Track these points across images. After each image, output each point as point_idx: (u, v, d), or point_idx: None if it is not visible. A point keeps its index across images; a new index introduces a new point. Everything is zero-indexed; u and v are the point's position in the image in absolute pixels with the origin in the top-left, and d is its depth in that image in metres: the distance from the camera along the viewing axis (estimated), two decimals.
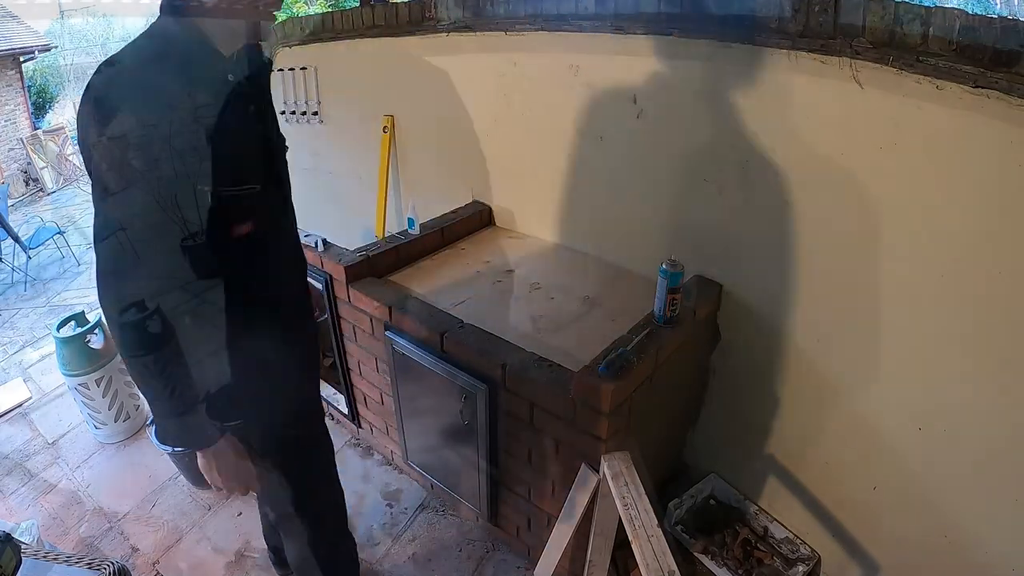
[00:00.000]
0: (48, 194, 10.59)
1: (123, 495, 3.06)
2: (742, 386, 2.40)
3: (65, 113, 13.97)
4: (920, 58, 1.53)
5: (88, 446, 3.43)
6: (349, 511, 2.50)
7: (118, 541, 2.80)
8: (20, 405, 3.88)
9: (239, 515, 2.86)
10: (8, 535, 1.63)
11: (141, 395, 1.57)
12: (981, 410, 1.74)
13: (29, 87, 12.07)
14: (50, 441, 3.52)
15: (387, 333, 2.39)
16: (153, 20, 1.31)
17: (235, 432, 1.59)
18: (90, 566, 1.98)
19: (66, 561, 1.99)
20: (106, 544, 2.78)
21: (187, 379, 1.40)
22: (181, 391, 1.39)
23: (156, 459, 3.18)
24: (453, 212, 3.01)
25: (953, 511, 1.89)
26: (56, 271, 6.75)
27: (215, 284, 1.42)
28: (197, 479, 3.01)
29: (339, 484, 2.10)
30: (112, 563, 1.97)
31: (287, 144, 1.64)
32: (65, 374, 3.24)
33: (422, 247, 2.79)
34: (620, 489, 1.75)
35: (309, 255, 2.44)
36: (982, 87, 1.46)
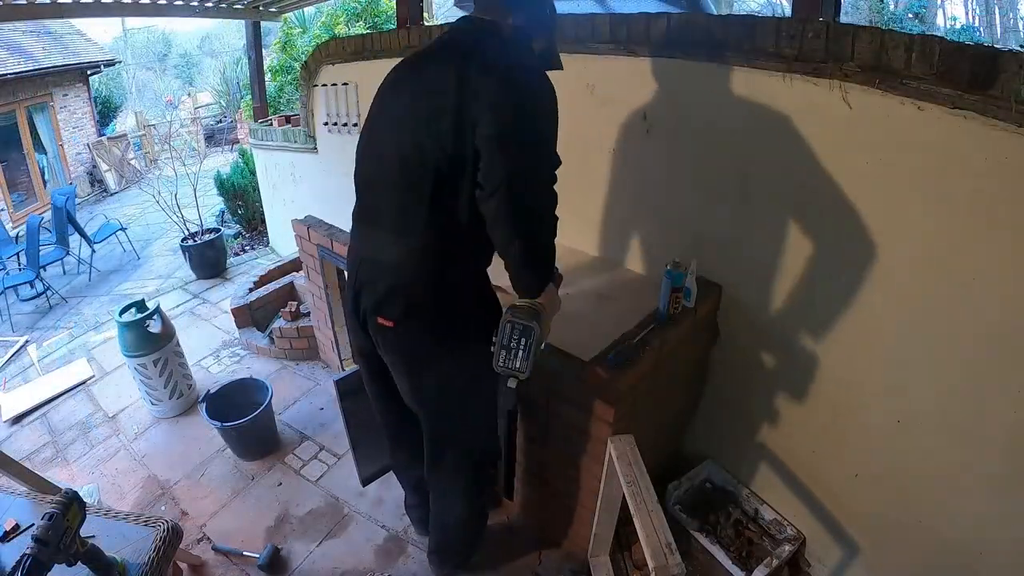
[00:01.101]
0: (111, 194, 10.73)
1: (175, 465, 3.13)
2: (738, 380, 2.42)
3: (127, 121, 14.14)
4: (903, 81, 1.55)
5: (144, 420, 3.51)
6: None
7: (169, 505, 2.86)
8: (84, 383, 3.98)
9: (279, 485, 2.92)
10: (75, 494, 1.68)
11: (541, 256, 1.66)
12: (954, 405, 1.75)
13: (95, 98, 12.25)
14: (110, 415, 3.60)
15: None
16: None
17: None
18: (146, 524, 2.04)
19: (124, 519, 2.06)
20: (158, 508, 2.85)
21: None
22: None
23: (206, 433, 3.25)
24: None
25: (927, 497, 1.89)
26: (117, 263, 6.83)
27: None
28: (242, 451, 3.08)
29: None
30: (166, 522, 2.03)
31: None
32: (126, 355, 3.32)
33: None
34: (624, 469, 1.78)
35: None
36: (960, 108, 1.48)
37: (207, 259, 5.73)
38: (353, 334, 1.93)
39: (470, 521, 2.22)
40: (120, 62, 14.20)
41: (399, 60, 1.67)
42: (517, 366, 1.56)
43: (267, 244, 6.53)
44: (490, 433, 1.99)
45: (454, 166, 1.45)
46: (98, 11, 4.95)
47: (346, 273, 1.88)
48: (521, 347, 1.55)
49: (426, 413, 1.90)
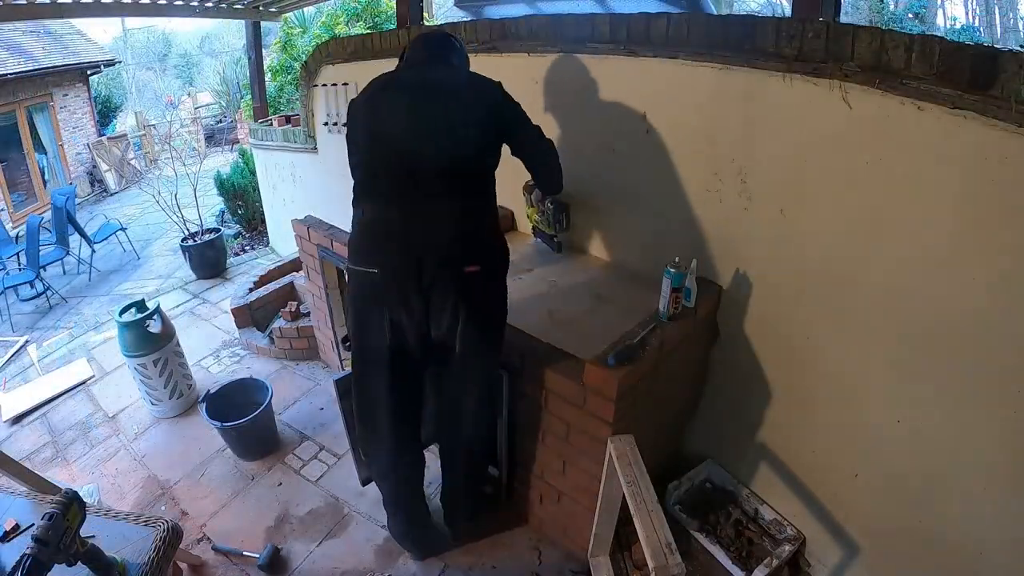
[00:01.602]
0: (111, 194, 10.73)
1: (175, 465, 3.13)
2: (738, 380, 2.42)
3: (128, 121, 14.14)
4: (903, 81, 1.55)
5: (144, 420, 3.51)
6: None
7: (169, 505, 2.86)
8: (84, 383, 3.98)
9: (279, 485, 2.92)
10: (75, 494, 1.68)
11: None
12: (954, 406, 1.75)
13: (95, 97, 12.24)
14: (110, 415, 3.60)
15: None
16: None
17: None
18: (146, 524, 2.04)
19: (124, 519, 2.06)
20: (158, 508, 2.85)
21: None
22: None
23: (206, 433, 3.24)
24: None
25: (927, 497, 1.89)
26: (117, 264, 6.83)
27: None
28: (242, 451, 3.08)
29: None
30: (166, 522, 2.03)
31: None
32: (126, 355, 3.32)
33: None
34: (624, 469, 1.78)
35: None
36: (960, 108, 1.48)
37: (207, 259, 5.73)
38: (400, 314, 1.97)
39: (483, 471, 2.55)
40: (120, 62, 14.19)
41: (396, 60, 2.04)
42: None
43: (267, 244, 6.54)
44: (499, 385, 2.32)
45: (491, 144, 1.98)
46: (98, 11, 4.96)
47: (369, 262, 1.96)
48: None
49: (491, 357, 2.12)
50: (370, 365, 2.10)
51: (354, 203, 2.02)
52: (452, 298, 1.91)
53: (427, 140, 1.88)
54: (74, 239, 6.71)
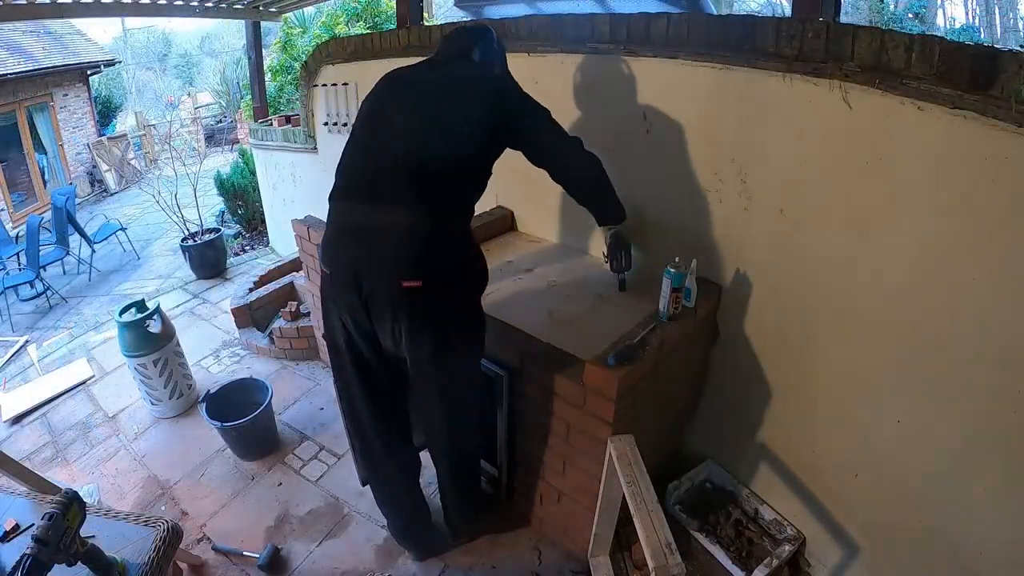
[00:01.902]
0: (111, 194, 10.73)
1: (175, 465, 3.13)
2: (738, 380, 2.42)
3: (128, 121, 14.14)
4: (903, 81, 1.55)
5: (144, 420, 3.50)
6: None
7: (169, 505, 2.86)
8: (84, 383, 3.97)
9: (279, 485, 2.92)
10: (75, 494, 1.68)
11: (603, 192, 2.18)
12: (953, 406, 1.75)
13: (95, 97, 12.24)
14: (110, 415, 3.60)
15: None
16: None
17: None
18: (146, 524, 2.04)
19: (124, 519, 2.06)
20: (158, 508, 2.85)
21: None
22: None
23: (206, 433, 3.24)
24: (479, 216, 3.04)
25: (927, 497, 1.89)
26: (117, 264, 6.83)
27: None
28: (242, 452, 3.08)
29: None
30: (166, 522, 2.03)
31: None
32: (126, 355, 3.32)
33: None
34: (624, 469, 1.78)
35: None
36: (960, 108, 1.48)
37: (207, 259, 5.72)
38: (348, 319, 1.94)
39: (476, 472, 2.43)
40: (120, 62, 14.19)
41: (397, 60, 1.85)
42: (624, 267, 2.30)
43: (267, 244, 6.53)
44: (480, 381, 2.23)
45: (474, 145, 1.84)
46: (98, 11, 4.96)
47: (325, 260, 1.95)
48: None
49: (446, 374, 1.98)
50: (339, 363, 2.08)
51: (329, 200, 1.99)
52: (389, 312, 1.83)
53: (392, 139, 1.81)
54: (74, 239, 6.70)
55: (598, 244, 2.72)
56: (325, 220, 1.94)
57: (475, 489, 2.47)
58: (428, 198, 1.77)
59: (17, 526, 1.97)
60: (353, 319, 1.90)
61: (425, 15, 5.58)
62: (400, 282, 1.76)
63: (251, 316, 4.33)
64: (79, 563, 1.64)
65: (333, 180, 1.91)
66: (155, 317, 3.30)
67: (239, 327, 4.31)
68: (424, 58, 2.05)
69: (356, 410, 2.14)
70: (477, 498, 2.50)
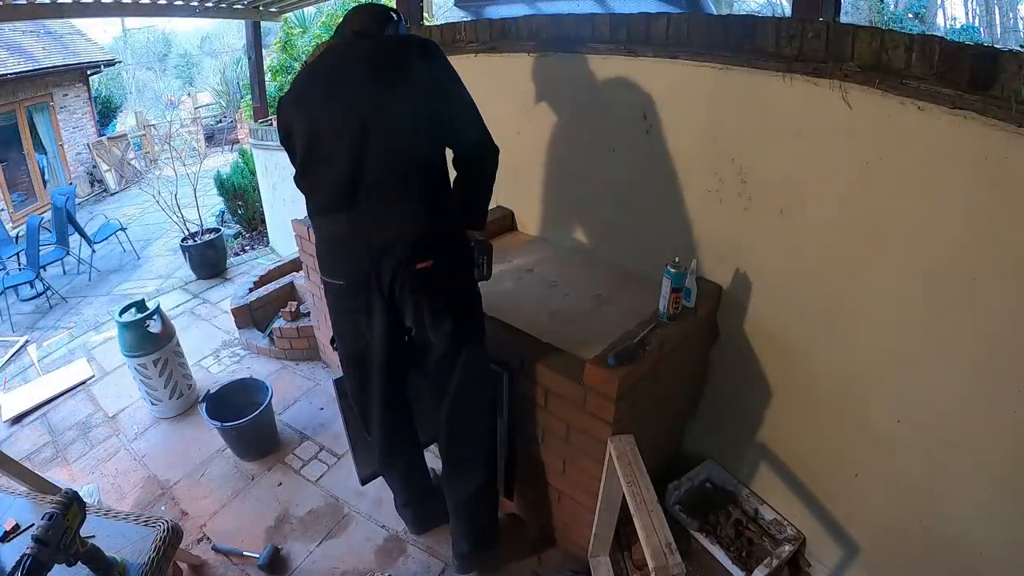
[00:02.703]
0: (111, 194, 10.73)
1: (175, 465, 3.13)
2: (738, 379, 2.41)
3: (127, 121, 14.14)
4: (903, 81, 1.55)
5: (144, 420, 3.50)
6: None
7: (169, 505, 2.86)
8: (84, 383, 3.97)
9: (279, 485, 2.92)
10: (75, 494, 1.68)
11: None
12: (953, 405, 1.75)
13: (95, 97, 12.23)
14: (110, 415, 3.60)
15: None
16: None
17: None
18: (146, 524, 2.04)
19: (124, 519, 2.06)
20: (158, 508, 2.85)
21: None
22: None
23: (206, 433, 3.24)
24: None
25: (927, 497, 1.89)
26: (117, 264, 6.82)
27: None
28: (242, 451, 3.08)
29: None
30: (166, 522, 2.03)
31: None
32: (126, 355, 3.32)
33: None
34: (624, 469, 1.78)
35: None
36: (960, 108, 1.48)
37: (207, 259, 5.72)
38: (367, 319, 1.96)
39: (494, 487, 2.35)
40: (120, 62, 14.20)
41: (311, 73, 1.99)
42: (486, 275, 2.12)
43: (267, 244, 6.53)
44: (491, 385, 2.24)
45: (427, 119, 1.79)
46: (98, 11, 4.95)
47: (329, 272, 2.01)
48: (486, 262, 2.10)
49: (465, 341, 2.00)
50: (353, 368, 2.14)
51: (308, 216, 2.01)
52: (411, 296, 1.87)
53: (355, 133, 1.74)
54: (74, 239, 6.71)
55: (599, 242, 2.72)
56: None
57: (489, 507, 2.36)
58: (413, 185, 1.79)
59: (17, 526, 1.98)
60: (379, 315, 1.92)
61: (425, 15, 5.58)
62: (414, 265, 1.80)
63: (251, 316, 4.32)
64: (79, 563, 1.65)
65: (305, 200, 1.95)
66: (155, 317, 3.30)
67: (239, 327, 4.31)
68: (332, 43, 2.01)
69: (366, 409, 2.21)
70: (492, 521, 2.38)
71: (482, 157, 1.96)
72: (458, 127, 1.86)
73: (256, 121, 6.08)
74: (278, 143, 2.00)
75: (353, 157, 1.74)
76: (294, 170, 1.93)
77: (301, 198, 1.95)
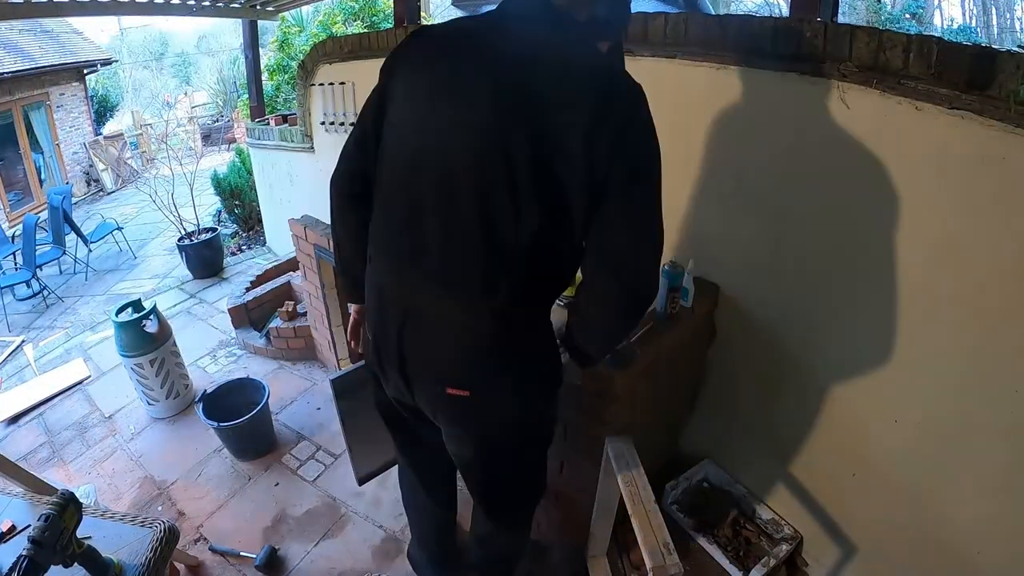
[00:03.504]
0: (108, 194, 10.71)
1: (171, 465, 3.13)
2: (736, 379, 2.41)
3: (124, 120, 14.11)
4: (901, 81, 1.55)
5: (141, 420, 3.50)
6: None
7: (166, 506, 2.86)
8: (80, 383, 3.97)
9: (276, 485, 2.92)
10: (72, 494, 1.68)
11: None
12: (952, 405, 1.75)
13: (92, 97, 12.21)
14: (106, 415, 3.60)
15: None
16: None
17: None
18: (143, 524, 2.03)
19: (121, 520, 2.05)
20: (155, 508, 2.84)
21: None
22: None
23: (203, 433, 3.24)
24: None
25: (924, 497, 1.89)
26: (114, 263, 6.81)
27: None
28: (239, 452, 3.07)
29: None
30: (163, 522, 2.03)
31: None
32: (122, 355, 3.31)
33: None
34: (622, 469, 1.78)
35: None
36: (957, 108, 1.48)
37: (204, 259, 5.72)
38: (386, 384, 1.58)
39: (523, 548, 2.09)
40: (117, 61, 14.16)
41: (439, 31, 1.33)
42: None
43: (264, 244, 6.53)
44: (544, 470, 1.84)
45: (575, 200, 1.18)
46: (95, 10, 4.94)
47: (369, 310, 1.53)
48: None
49: (495, 480, 1.69)
50: (381, 414, 1.83)
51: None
52: (455, 426, 1.51)
53: (447, 161, 1.21)
54: (70, 238, 6.70)
55: None
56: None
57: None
58: (498, 272, 1.25)
59: (13, 527, 1.96)
60: (398, 393, 1.55)
61: (423, 14, 5.58)
62: (445, 388, 1.37)
63: (248, 316, 4.32)
64: (75, 564, 1.64)
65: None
66: (151, 317, 3.30)
67: (236, 327, 4.31)
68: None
69: (399, 459, 2.04)
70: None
71: (631, 290, 1.28)
72: (614, 226, 1.22)
73: (253, 120, 6.07)
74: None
75: (429, 192, 1.26)
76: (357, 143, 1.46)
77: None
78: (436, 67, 1.23)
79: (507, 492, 1.76)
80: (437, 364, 1.38)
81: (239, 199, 6.89)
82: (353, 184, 1.48)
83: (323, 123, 4.16)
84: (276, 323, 4.05)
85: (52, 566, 1.55)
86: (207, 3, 5.28)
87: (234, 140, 12.18)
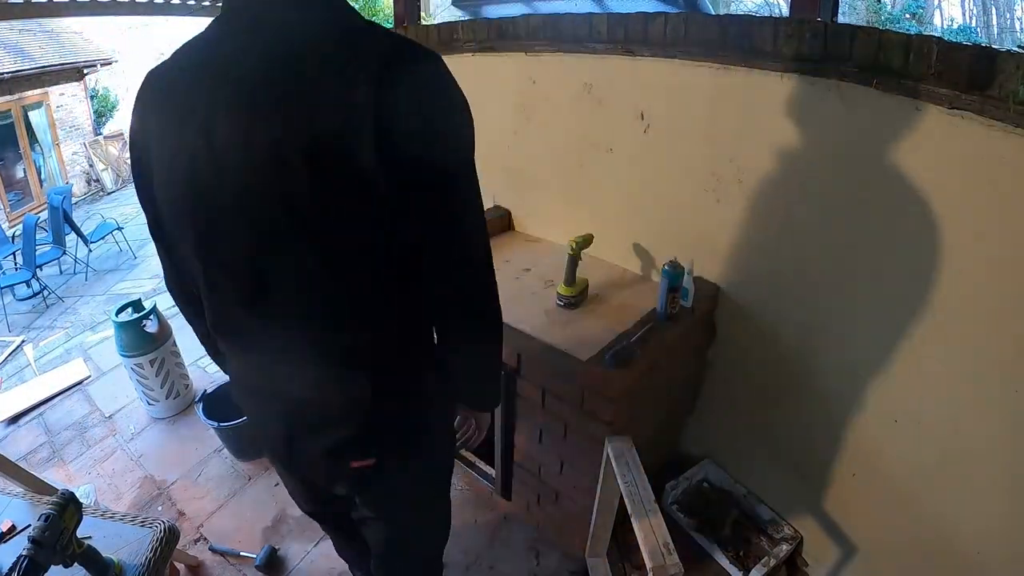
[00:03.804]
0: (108, 193, 10.73)
1: (172, 465, 3.12)
2: (736, 379, 2.42)
3: (124, 120, 14.08)
4: (901, 81, 1.55)
5: (141, 420, 3.50)
6: None
7: (166, 506, 2.86)
8: (80, 383, 3.96)
9: (276, 485, 2.91)
10: (72, 494, 1.68)
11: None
12: (952, 404, 1.75)
13: (92, 96, 12.21)
14: (107, 415, 3.59)
15: None
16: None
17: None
18: (143, 524, 2.03)
19: (121, 520, 2.05)
20: (155, 508, 2.84)
21: None
22: None
23: (203, 433, 3.24)
24: None
25: (924, 496, 1.89)
26: (114, 263, 6.82)
27: None
28: (239, 452, 3.07)
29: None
30: (163, 522, 2.03)
31: None
32: (122, 355, 3.31)
33: None
34: (622, 469, 1.78)
35: None
36: (957, 108, 1.48)
37: None
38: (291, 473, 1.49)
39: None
40: (117, 61, 14.15)
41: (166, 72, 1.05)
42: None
43: None
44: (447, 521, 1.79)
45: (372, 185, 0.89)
46: (95, 10, 4.94)
47: (240, 402, 1.35)
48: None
49: (400, 526, 1.55)
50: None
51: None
52: (364, 493, 1.38)
53: (239, 190, 0.92)
54: (71, 238, 6.71)
55: (596, 242, 2.72)
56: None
57: None
58: (342, 300, 1.02)
59: (13, 527, 1.97)
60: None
61: (423, 14, 5.57)
62: (349, 462, 1.21)
63: None
64: (76, 564, 1.64)
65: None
66: (151, 317, 3.30)
67: None
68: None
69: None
70: None
71: (473, 300, 1.18)
72: (439, 220, 1.00)
73: None
74: None
75: (224, 235, 1.00)
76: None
77: None
78: (182, 128, 0.94)
79: (412, 542, 1.66)
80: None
81: None
82: (181, 285, 1.25)
83: None
84: None
85: (52, 566, 1.54)
86: (207, 3, 5.28)
87: None
